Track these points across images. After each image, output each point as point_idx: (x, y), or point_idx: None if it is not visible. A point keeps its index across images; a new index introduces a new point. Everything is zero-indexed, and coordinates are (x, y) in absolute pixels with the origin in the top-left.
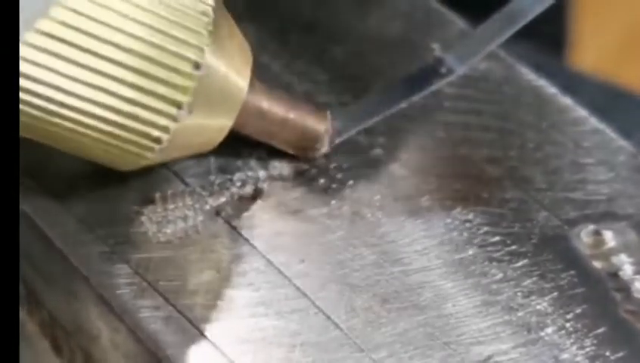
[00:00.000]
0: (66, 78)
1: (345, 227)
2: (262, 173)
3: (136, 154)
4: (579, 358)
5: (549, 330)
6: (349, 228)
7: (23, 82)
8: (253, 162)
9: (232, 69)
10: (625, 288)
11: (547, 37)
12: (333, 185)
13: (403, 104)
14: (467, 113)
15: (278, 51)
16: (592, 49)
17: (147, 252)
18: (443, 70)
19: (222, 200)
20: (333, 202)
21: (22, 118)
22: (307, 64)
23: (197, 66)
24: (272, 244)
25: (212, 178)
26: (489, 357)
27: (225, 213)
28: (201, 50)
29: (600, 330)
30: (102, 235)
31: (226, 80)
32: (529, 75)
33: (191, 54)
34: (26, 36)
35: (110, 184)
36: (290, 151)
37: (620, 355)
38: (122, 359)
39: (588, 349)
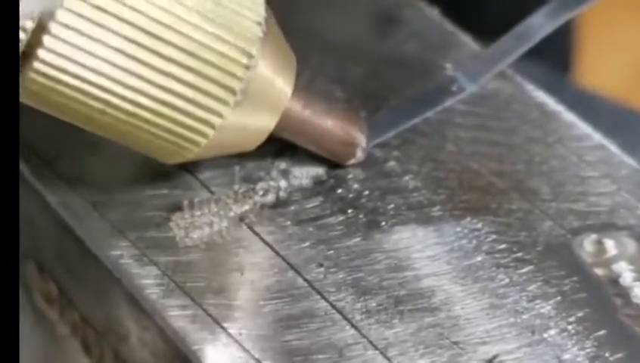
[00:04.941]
0: (120, 70)
1: (361, 234)
2: (283, 183)
3: (188, 141)
4: (580, 359)
5: (552, 332)
6: (364, 234)
7: (76, 69)
8: (274, 173)
9: (279, 71)
10: (624, 294)
11: (555, 56)
12: (350, 195)
13: (417, 120)
14: (477, 128)
15: (299, 70)
16: (601, 71)
17: (175, 256)
18: (455, 88)
19: (246, 207)
20: (350, 210)
21: (77, 106)
22: (327, 83)
23: (250, 56)
24: (293, 249)
25: (236, 187)
26: (495, 356)
27: (248, 220)
28: (254, 43)
29: (600, 333)
30: (133, 239)
31: (272, 81)
32: (535, 92)
33: (245, 45)
34: (65, 18)
35: (141, 192)
36: (326, 156)
37: (619, 356)
38: (150, 356)
39: (588, 350)
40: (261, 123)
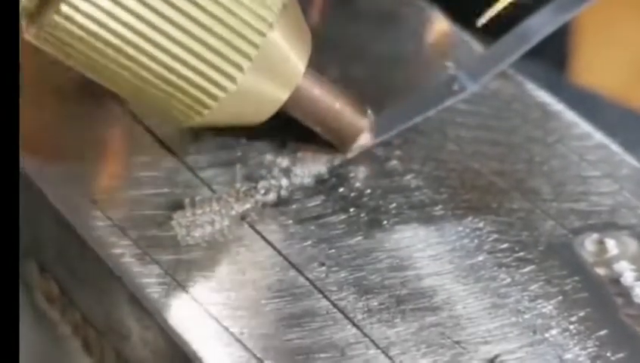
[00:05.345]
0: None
1: (363, 233)
2: (284, 181)
3: (199, 103)
4: (581, 359)
5: (554, 331)
6: (366, 233)
7: (101, 16)
8: (276, 171)
9: (294, 47)
10: (625, 293)
11: (555, 55)
12: (352, 194)
13: (418, 119)
14: (478, 128)
15: None
16: (600, 70)
17: (176, 254)
18: (456, 88)
19: (247, 206)
20: (351, 209)
21: (96, 56)
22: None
23: (270, 25)
24: (294, 248)
25: (237, 185)
26: (497, 356)
27: (249, 218)
28: (275, 13)
29: (602, 333)
30: (135, 238)
31: (287, 56)
32: (536, 92)
33: (266, 13)
34: None
35: (142, 191)
36: (331, 139)
37: (620, 355)
38: (151, 355)
39: (590, 350)
40: (273, 95)
